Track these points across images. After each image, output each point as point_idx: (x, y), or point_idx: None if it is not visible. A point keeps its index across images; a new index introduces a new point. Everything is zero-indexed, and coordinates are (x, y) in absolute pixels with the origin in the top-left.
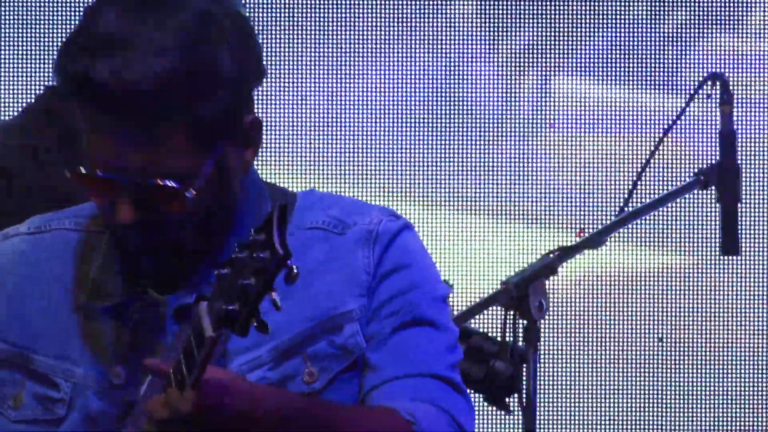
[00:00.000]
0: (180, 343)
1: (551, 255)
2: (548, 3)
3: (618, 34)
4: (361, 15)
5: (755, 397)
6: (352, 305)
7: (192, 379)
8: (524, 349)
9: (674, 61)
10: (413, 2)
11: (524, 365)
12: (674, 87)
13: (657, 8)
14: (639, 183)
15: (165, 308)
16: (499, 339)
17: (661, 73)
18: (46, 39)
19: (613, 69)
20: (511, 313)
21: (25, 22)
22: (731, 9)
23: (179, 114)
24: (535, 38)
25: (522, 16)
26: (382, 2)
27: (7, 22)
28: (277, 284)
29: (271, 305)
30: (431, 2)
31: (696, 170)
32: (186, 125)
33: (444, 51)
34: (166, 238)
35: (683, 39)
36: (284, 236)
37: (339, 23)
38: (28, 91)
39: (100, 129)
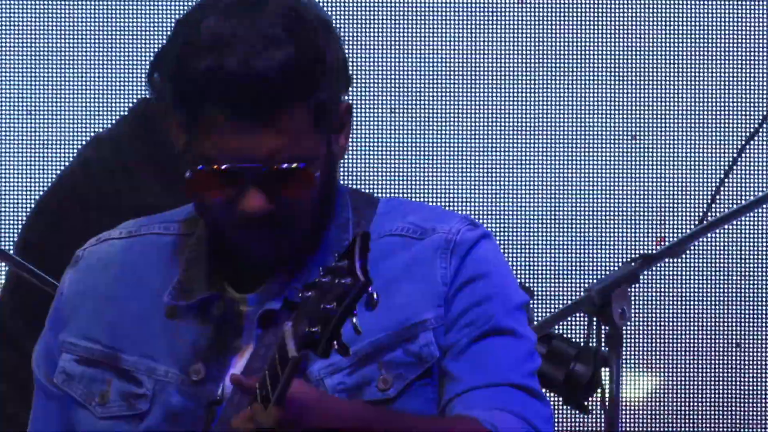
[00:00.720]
0: (265, 357)
1: (633, 263)
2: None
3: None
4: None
5: None
6: (428, 315)
7: (276, 396)
8: (604, 352)
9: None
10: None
11: (606, 368)
12: (758, 93)
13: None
14: (721, 191)
15: (245, 307)
16: (579, 343)
17: (748, 80)
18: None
19: (698, 75)
20: (595, 319)
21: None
22: None
23: (301, 98)
24: (610, 44)
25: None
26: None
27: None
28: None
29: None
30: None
31: None
32: (308, 109)
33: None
34: (288, 228)
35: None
36: (366, 263)
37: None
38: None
39: (226, 123)
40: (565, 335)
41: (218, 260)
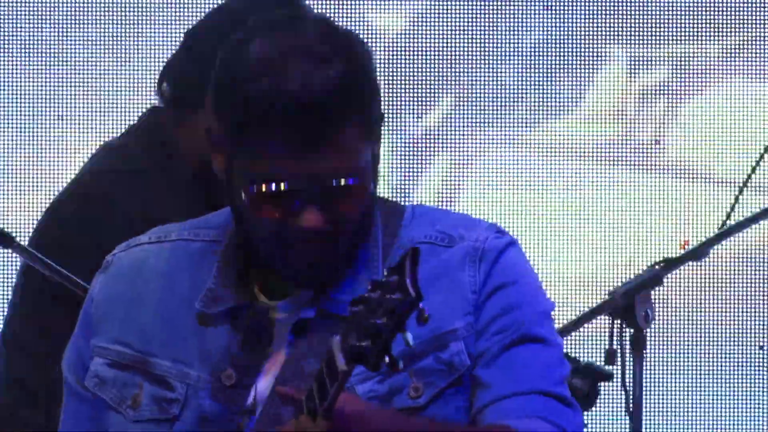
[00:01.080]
0: (298, 366)
1: (656, 266)
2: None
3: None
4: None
5: None
6: (458, 323)
7: (323, 408)
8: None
9: None
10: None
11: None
12: None
13: None
14: (742, 195)
15: (276, 314)
16: (576, 358)
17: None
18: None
19: (720, 78)
20: (618, 322)
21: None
22: None
23: (355, 115)
24: (637, 46)
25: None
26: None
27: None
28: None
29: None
30: None
31: None
32: (360, 125)
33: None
34: (336, 243)
35: None
36: (416, 278)
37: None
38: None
39: (285, 144)
40: (572, 353)
41: (249, 267)
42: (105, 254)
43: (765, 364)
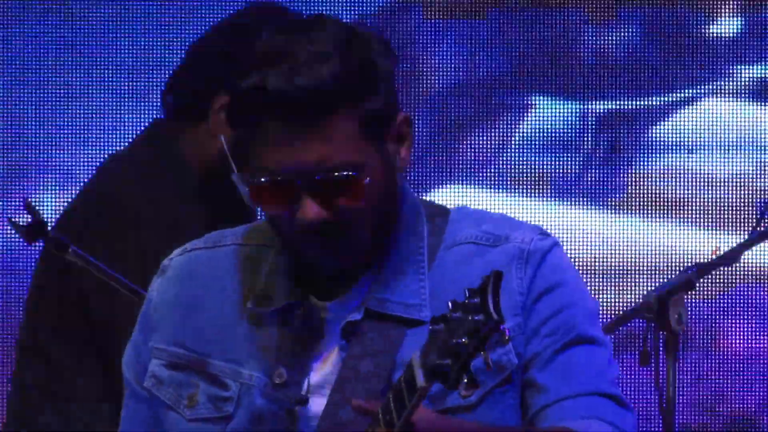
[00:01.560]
0: (355, 369)
1: (689, 271)
2: None
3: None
4: None
5: None
6: (506, 324)
7: (401, 421)
8: None
9: None
10: None
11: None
12: None
13: None
14: None
15: (325, 314)
16: None
17: None
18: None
19: (750, 86)
20: (652, 325)
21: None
22: None
23: (347, 107)
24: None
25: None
26: None
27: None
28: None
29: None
30: None
31: None
32: (355, 119)
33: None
34: (346, 236)
35: None
36: (498, 301)
37: None
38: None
39: (275, 136)
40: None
41: (298, 268)
42: (114, 258)
43: None
